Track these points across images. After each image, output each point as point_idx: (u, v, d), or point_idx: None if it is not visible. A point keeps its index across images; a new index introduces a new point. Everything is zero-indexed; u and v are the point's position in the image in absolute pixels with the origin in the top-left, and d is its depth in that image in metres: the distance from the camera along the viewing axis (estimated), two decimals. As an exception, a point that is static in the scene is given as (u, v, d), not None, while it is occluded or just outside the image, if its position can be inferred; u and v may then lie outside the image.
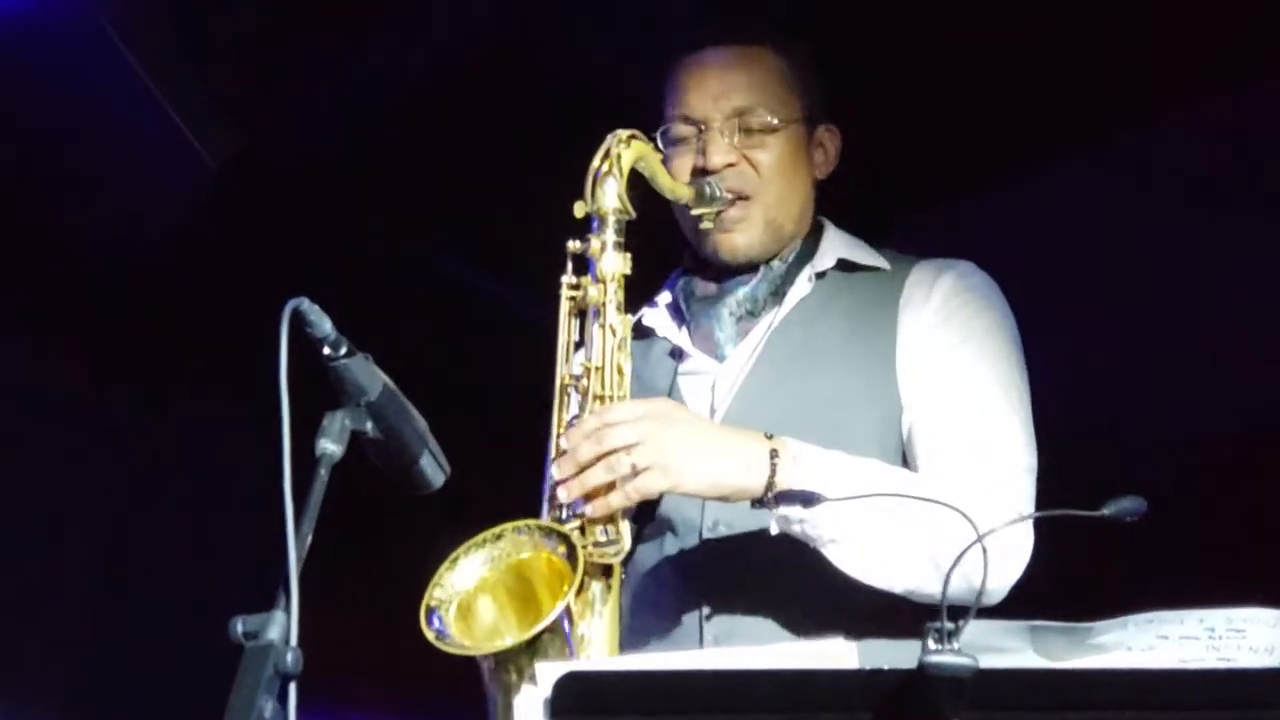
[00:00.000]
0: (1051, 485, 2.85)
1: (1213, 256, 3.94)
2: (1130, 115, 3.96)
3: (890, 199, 3.17)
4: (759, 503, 2.73)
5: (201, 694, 2.32)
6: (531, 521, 2.74)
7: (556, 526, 2.71)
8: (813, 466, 2.73)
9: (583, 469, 2.72)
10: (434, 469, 2.52)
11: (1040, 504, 2.84)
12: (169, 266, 4.52)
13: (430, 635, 2.59)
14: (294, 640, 2.15)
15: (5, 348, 4.46)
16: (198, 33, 4.28)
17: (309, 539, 2.24)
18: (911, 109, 4.05)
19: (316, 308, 2.35)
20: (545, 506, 2.92)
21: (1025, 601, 2.74)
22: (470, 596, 2.65)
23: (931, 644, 2.03)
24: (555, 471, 2.80)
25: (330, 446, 2.34)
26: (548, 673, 2.10)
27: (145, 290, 4.51)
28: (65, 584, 4.55)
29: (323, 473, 2.31)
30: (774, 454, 2.72)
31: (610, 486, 2.72)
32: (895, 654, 2.51)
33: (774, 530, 2.76)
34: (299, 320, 2.33)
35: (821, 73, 3.11)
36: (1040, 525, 2.77)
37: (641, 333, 3.02)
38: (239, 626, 2.16)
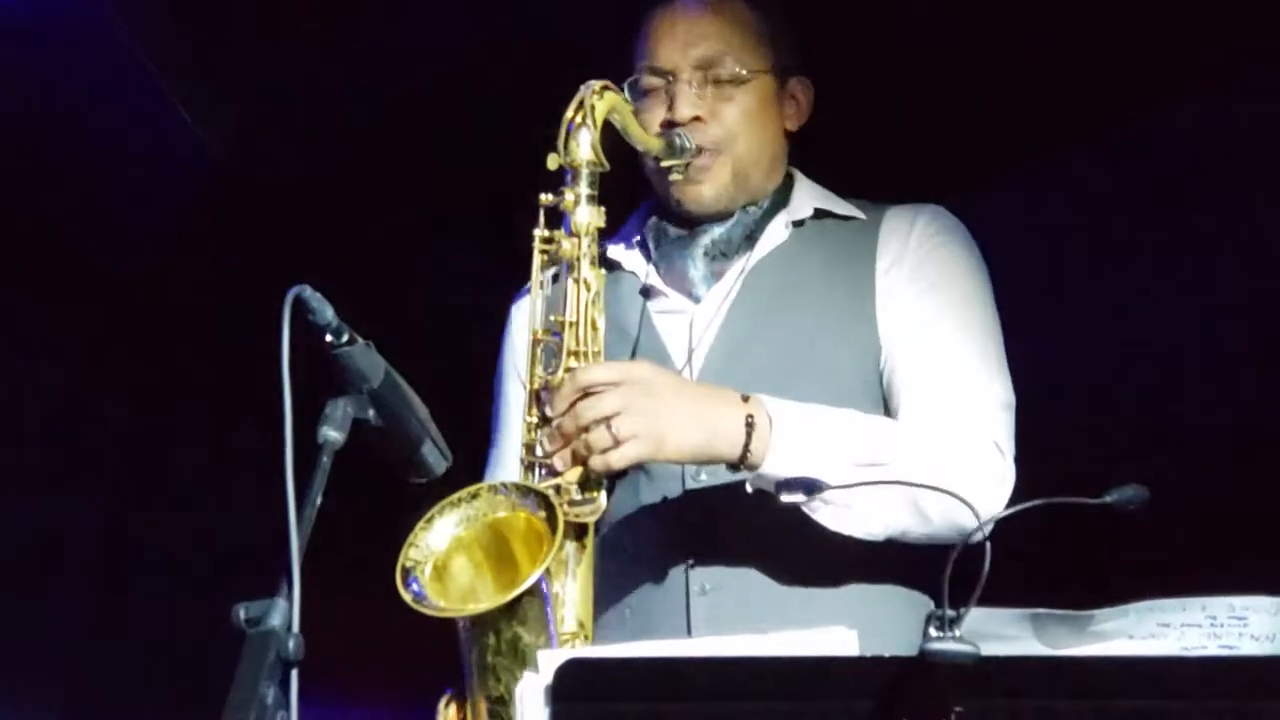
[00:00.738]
0: (1054, 473, 2.84)
1: (1219, 247, 3.93)
2: (1133, 105, 3.96)
3: (894, 189, 3.16)
4: (734, 467, 2.74)
5: (203, 681, 2.32)
6: (508, 481, 2.73)
7: (534, 486, 2.70)
8: (788, 429, 2.73)
9: (565, 437, 2.71)
10: (436, 456, 2.52)
11: (1042, 492, 2.84)
12: (170, 256, 4.51)
13: (407, 597, 2.56)
14: (296, 627, 2.16)
15: (5, 339, 4.46)
16: (201, 21, 4.27)
17: (311, 526, 2.24)
18: (915, 96, 4.05)
19: (318, 295, 2.35)
20: (495, 464, 2.95)
21: (1027, 589, 2.74)
22: (446, 556, 2.63)
23: (933, 632, 2.03)
24: (526, 437, 2.80)
25: (332, 433, 2.34)
26: (550, 660, 2.10)
27: (146, 278, 4.51)
28: (65, 571, 4.55)
29: (325, 460, 2.31)
30: (749, 419, 2.71)
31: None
32: (896, 641, 2.51)
33: (749, 489, 2.77)
34: (301, 307, 2.33)
35: (795, 24, 3.09)
36: (1042, 513, 2.77)
37: (607, 265, 3.00)
38: (241, 613, 2.17)
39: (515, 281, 3.03)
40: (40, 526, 4.51)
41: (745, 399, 2.75)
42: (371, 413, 2.41)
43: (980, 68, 3.98)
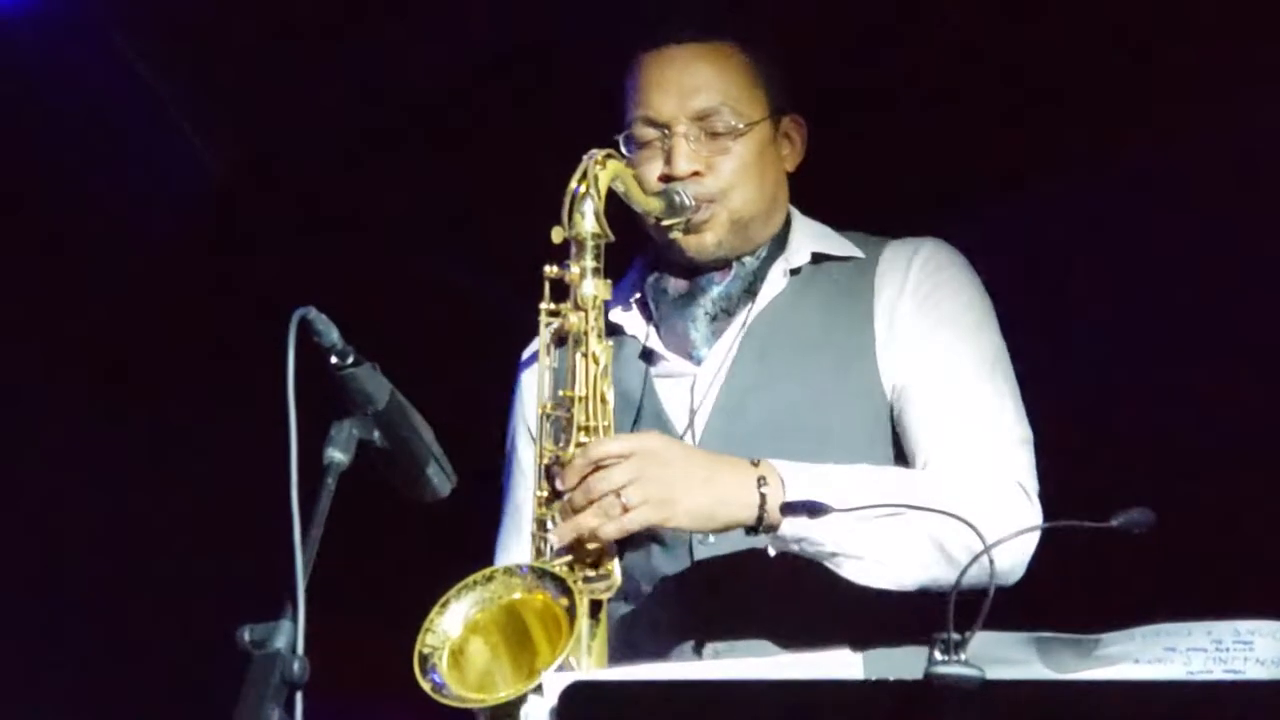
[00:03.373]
0: (1061, 496, 2.84)
1: (1230, 263, 3.92)
2: (1132, 123, 3.96)
3: (891, 213, 3.16)
4: (752, 531, 2.73)
5: (208, 703, 2.32)
6: (524, 563, 2.73)
7: (550, 569, 2.68)
8: (802, 489, 2.71)
9: (575, 511, 2.71)
10: (441, 478, 2.51)
11: (1049, 515, 2.84)
12: (174, 273, 4.52)
13: (426, 686, 2.56)
14: (301, 649, 2.16)
15: (9, 352, 4.46)
16: (203, 36, 4.28)
17: (316, 548, 2.24)
18: (909, 118, 4.05)
19: (324, 317, 2.35)
20: (507, 530, 2.94)
21: (1033, 613, 2.74)
22: (462, 640, 2.62)
23: (938, 654, 2.03)
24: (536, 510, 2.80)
25: (338, 455, 2.34)
26: (554, 682, 2.10)
27: (149, 296, 4.52)
28: (68, 593, 4.55)
29: (330, 481, 2.31)
30: (762, 482, 2.71)
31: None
32: (901, 664, 2.51)
33: (771, 552, 2.75)
34: (306, 329, 2.33)
35: (787, 60, 3.06)
36: (1049, 536, 2.77)
37: (608, 327, 2.97)
38: (246, 635, 2.17)
39: (522, 302, 3.02)
40: (42, 545, 4.51)
41: (755, 464, 2.74)
42: (377, 434, 2.41)
43: (978, 85, 3.98)
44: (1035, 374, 2.99)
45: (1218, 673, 2.26)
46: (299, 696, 2.14)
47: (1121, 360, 4.03)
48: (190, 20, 4.29)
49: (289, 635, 2.16)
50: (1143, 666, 2.29)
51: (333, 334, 2.36)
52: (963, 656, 2.03)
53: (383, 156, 4.37)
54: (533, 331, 3.00)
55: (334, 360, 2.38)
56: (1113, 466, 3.81)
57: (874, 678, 2.11)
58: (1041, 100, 3.97)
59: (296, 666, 2.14)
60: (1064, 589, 2.81)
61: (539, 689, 2.50)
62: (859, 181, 3.45)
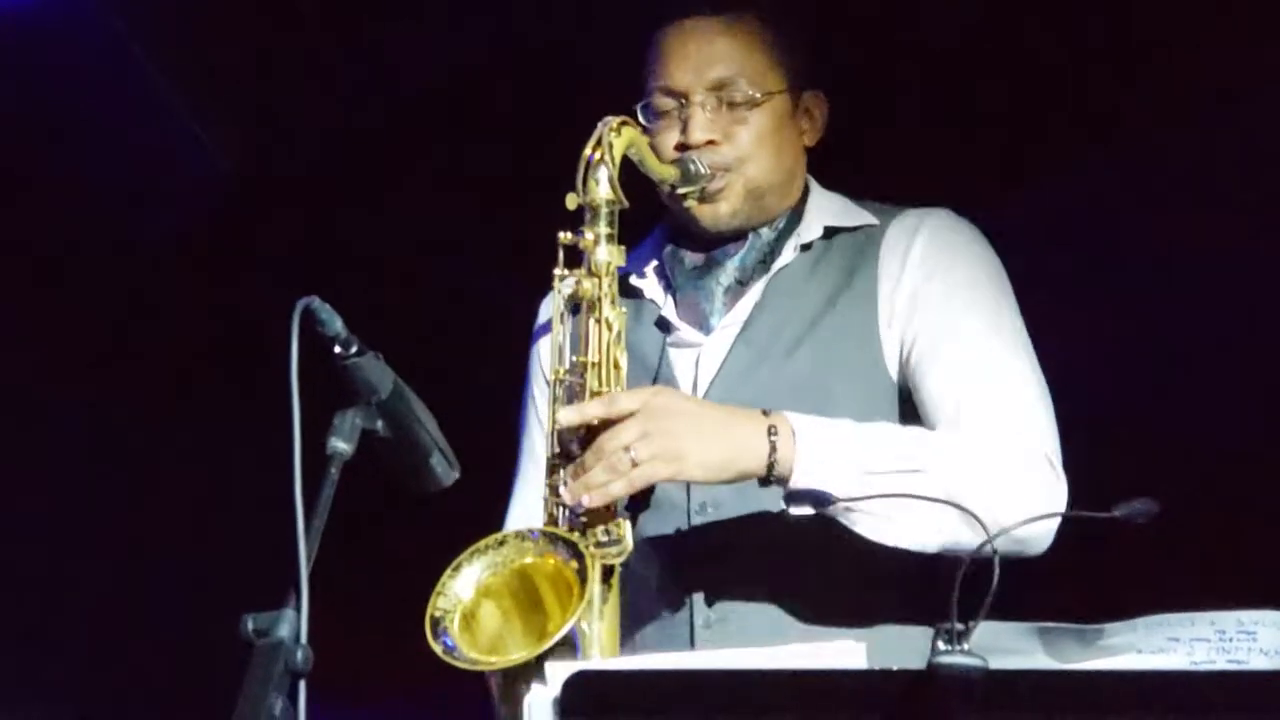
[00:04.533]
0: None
1: (1245, 255, 3.92)
2: (1143, 113, 3.96)
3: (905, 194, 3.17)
4: (765, 482, 2.72)
5: (211, 692, 2.33)
6: (536, 528, 2.72)
7: (562, 534, 2.68)
8: (812, 437, 2.70)
9: (586, 470, 2.70)
10: (444, 467, 2.52)
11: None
12: (177, 264, 4.52)
13: (437, 649, 2.56)
14: (304, 638, 2.16)
15: (10, 351, 4.47)
16: (209, 30, 4.28)
17: (319, 537, 2.24)
18: (923, 102, 4.05)
19: (327, 306, 2.35)
20: (518, 496, 2.95)
21: (1036, 603, 2.73)
22: (473, 604, 2.62)
23: (941, 645, 2.03)
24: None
25: (341, 445, 2.35)
26: (557, 672, 2.10)
27: (153, 288, 4.52)
28: (70, 581, 4.55)
29: (333, 471, 2.32)
30: (772, 430, 2.70)
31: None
32: (904, 654, 2.51)
33: (789, 509, 2.72)
34: (310, 319, 2.33)
35: (809, 37, 3.07)
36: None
37: (628, 291, 2.99)
38: (249, 624, 2.17)
39: (524, 290, 3.02)
40: (43, 542, 4.52)
41: (766, 414, 2.73)
42: (380, 424, 2.41)
43: (990, 74, 3.98)
44: (1048, 358, 2.99)
45: (1221, 663, 2.26)
46: (302, 685, 2.14)
47: (1125, 352, 4.03)
48: (190, 19, 4.29)
49: (292, 624, 2.16)
50: (1146, 657, 2.29)
51: (336, 323, 2.36)
52: (966, 646, 2.03)
53: (384, 155, 4.38)
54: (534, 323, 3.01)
55: (337, 350, 2.38)
56: (1115, 456, 3.82)
57: (877, 668, 2.11)
58: (1041, 98, 3.98)
59: (300, 655, 2.14)
60: (1067, 579, 2.81)
61: (544, 670, 2.51)
62: (863, 165, 3.45)
